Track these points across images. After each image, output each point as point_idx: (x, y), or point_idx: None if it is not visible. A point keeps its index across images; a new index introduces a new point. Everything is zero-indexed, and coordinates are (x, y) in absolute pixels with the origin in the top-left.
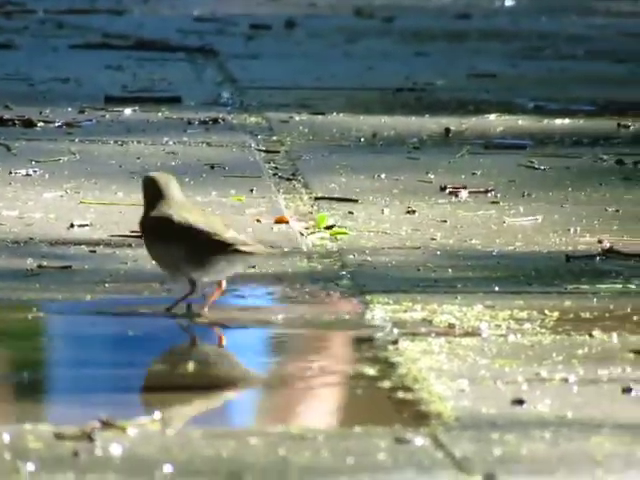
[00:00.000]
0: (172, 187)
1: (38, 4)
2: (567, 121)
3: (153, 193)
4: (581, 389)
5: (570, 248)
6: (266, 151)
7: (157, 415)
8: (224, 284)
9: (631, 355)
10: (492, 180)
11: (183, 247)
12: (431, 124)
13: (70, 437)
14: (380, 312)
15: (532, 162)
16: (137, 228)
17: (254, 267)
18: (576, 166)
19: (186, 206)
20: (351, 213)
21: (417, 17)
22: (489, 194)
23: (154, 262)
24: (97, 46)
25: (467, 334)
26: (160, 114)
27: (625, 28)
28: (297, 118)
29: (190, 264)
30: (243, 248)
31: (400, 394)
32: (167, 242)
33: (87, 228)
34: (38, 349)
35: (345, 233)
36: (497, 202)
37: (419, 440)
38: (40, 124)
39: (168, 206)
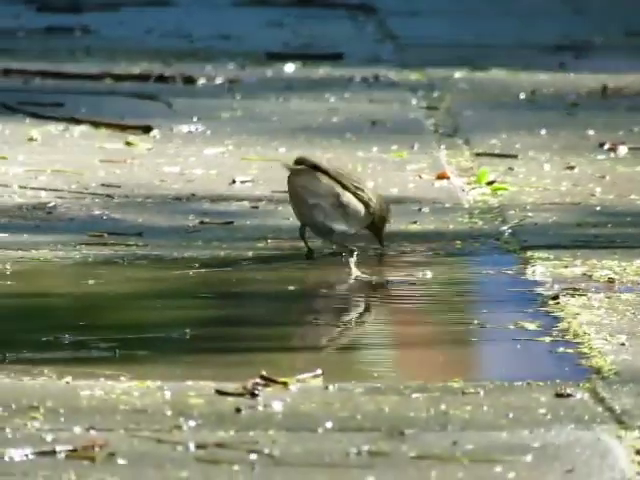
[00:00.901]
0: None
1: None
2: None
3: None
4: None
5: None
6: (427, 108)
7: (318, 371)
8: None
9: None
10: None
11: None
12: (589, 81)
13: (232, 393)
14: (541, 267)
15: None
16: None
17: (415, 222)
18: None
19: None
20: (511, 169)
21: None
22: None
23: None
24: (257, 3)
25: (627, 289)
26: (321, 71)
27: None
28: (457, 75)
29: None
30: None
31: (560, 349)
32: None
33: (249, 184)
34: (200, 306)
35: (506, 189)
36: None
37: (579, 395)
38: (201, 81)
39: None
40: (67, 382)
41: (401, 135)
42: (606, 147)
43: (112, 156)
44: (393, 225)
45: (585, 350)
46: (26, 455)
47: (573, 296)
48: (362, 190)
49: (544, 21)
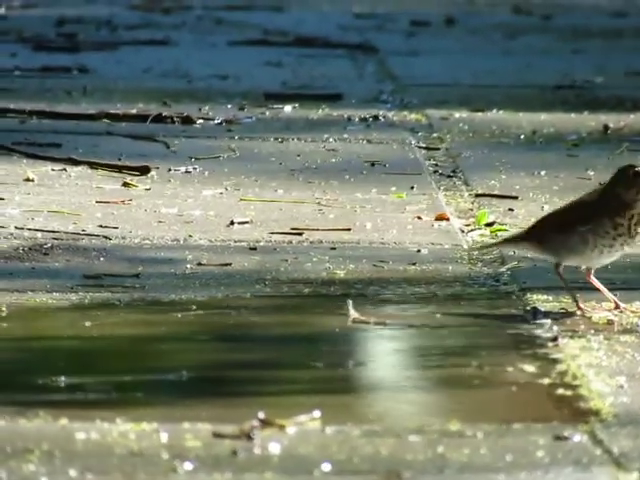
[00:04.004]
0: None
1: (196, 0)
2: None
3: None
4: None
5: None
6: (426, 148)
7: (316, 413)
8: None
9: None
10: None
11: None
12: (590, 121)
13: (229, 436)
14: (539, 309)
15: None
16: (298, 225)
17: (414, 264)
18: None
19: None
20: (511, 210)
21: (574, 15)
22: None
23: None
24: (256, 43)
25: (626, 331)
26: (320, 111)
27: None
28: (457, 115)
29: None
30: None
31: (559, 391)
32: None
33: (247, 225)
34: (197, 349)
35: (505, 230)
36: None
37: (577, 437)
38: (199, 121)
39: None
40: (63, 425)
41: (400, 176)
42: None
43: (109, 197)
44: (391, 267)
45: (584, 392)
46: None
47: (572, 338)
48: None
49: (543, 61)
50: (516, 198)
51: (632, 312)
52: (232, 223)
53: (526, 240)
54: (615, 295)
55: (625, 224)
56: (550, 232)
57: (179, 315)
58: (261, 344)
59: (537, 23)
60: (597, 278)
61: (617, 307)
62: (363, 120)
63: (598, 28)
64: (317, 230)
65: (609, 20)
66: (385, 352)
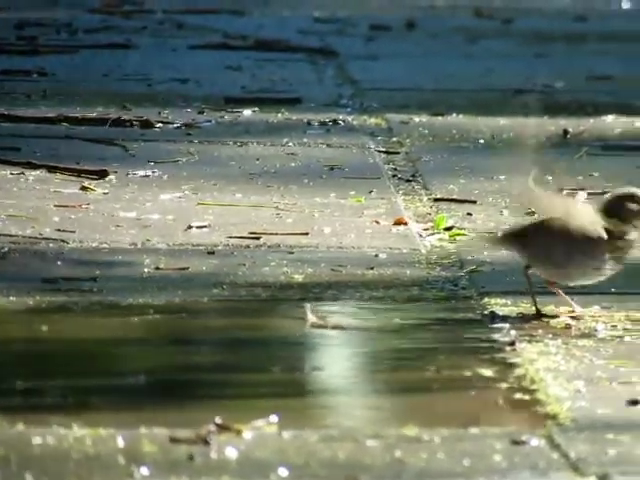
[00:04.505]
0: None
1: (157, 4)
2: None
3: None
4: None
5: None
6: (386, 152)
7: (273, 418)
8: None
9: None
10: (610, 182)
11: None
12: (550, 126)
13: (185, 441)
14: (498, 313)
15: None
16: (256, 229)
17: (372, 269)
18: None
19: None
20: (470, 214)
21: (536, 19)
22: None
23: None
24: (216, 47)
25: (584, 335)
26: (280, 115)
27: None
28: (417, 119)
29: None
30: None
31: (517, 395)
32: None
33: (205, 229)
34: (154, 353)
35: (464, 234)
36: None
37: (535, 441)
38: (159, 125)
39: None
40: (19, 430)
41: (359, 180)
42: (565, 192)
43: (67, 201)
44: (349, 271)
45: (541, 397)
46: None
47: (530, 342)
48: None
49: (504, 65)
50: (475, 202)
51: (590, 317)
52: (190, 227)
53: (526, 243)
54: (572, 299)
55: (618, 253)
56: (552, 248)
57: (136, 319)
58: (218, 348)
59: (498, 27)
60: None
61: (574, 312)
62: (323, 124)
63: (560, 32)
64: (275, 234)
65: (571, 24)
66: (343, 356)
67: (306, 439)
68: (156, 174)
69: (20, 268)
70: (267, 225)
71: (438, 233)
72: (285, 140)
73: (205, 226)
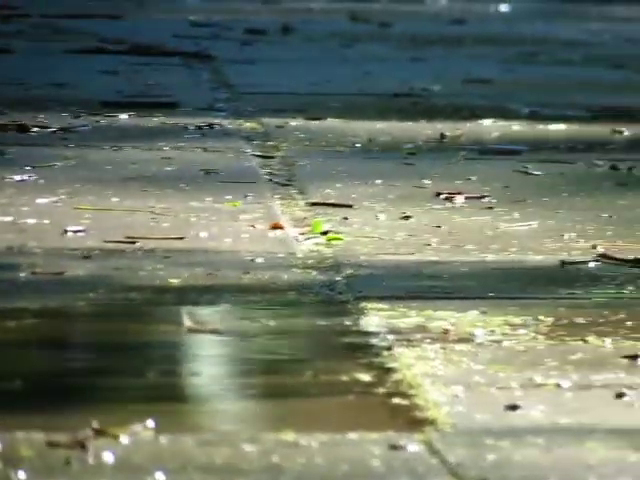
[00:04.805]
0: None
1: (34, 8)
2: (562, 127)
3: None
4: (575, 395)
5: (564, 254)
6: (261, 156)
7: (150, 423)
8: None
9: (624, 361)
10: (487, 186)
11: None
12: (427, 129)
13: (63, 445)
14: (375, 318)
15: (527, 168)
16: (132, 233)
17: (248, 273)
18: (570, 172)
19: None
20: (346, 219)
21: (413, 22)
22: (484, 200)
23: None
24: (93, 51)
25: (461, 340)
26: (156, 119)
27: (621, 33)
28: (293, 123)
29: None
30: None
31: (395, 400)
32: None
33: (81, 234)
34: (31, 357)
35: (340, 239)
36: (492, 208)
37: (413, 446)
38: (35, 129)
39: None
40: None
41: (235, 184)
42: (442, 197)
43: None
44: (226, 275)
45: (420, 402)
46: None
47: (407, 347)
48: None
49: (381, 69)
50: (351, 207)
51: (468, 321)
52: (66, 231)
53: None
54: (451, 304)
55: None
56: None
57: (12, 323)
58: (95, 352)
59: (375, 31)
60: (430, 286)
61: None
62: (198, 128)
63: (437, 35)
64: (151, 239)
65: (448, 28)
66: (219, 361)
67: (183, 444)
68: (32, 178)
69: None
70: (143, 229)
71: (315, 237)
72: (161, 144)
73: (81, 230)
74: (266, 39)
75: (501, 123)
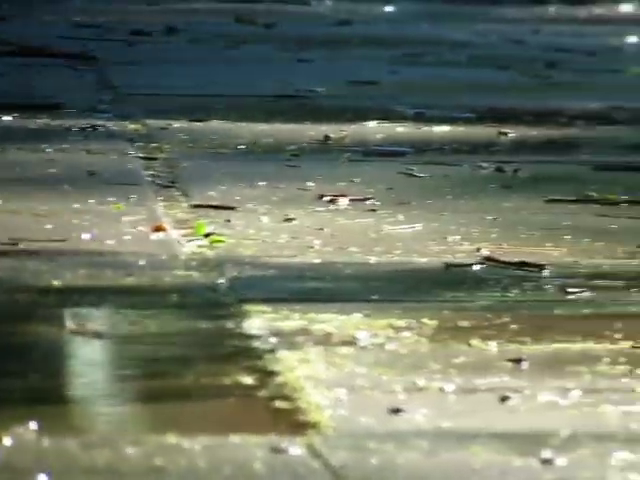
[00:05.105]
0: None
1: None
2: (447, 128)
3: None
4: (458, 398)
5: (449, 257)
6: (145, 158)
7: (33, 425)
8: None
9: (509, 364)
10: (371, 188)
11: None
12: (311, 131)
13: None
14: (258, 321)
15: (411, 170)
16: (15, 235)
17: (131, 275)
18: (455, 174)
19: None
20: (229, 221)
21: (298, 24)
22: (368, 202)
23: None
24: None
25: (345, 343)
26: (40, 121)
27: (507, 34)
28: (176, 125)
29: None
30: None
31: (277, 403)
32: None
33: None
34: None
35: (223, 241)
36: (376, 210)
37: (296, 450)
38: None
39: None
40: None
41: (118, 186)
42: (326, 199)
43: None
44: (109, 277)
45: (302, 405)
46: None
47: (290, 350)
48: None
49: (266, 70)
50: (234, 209)
51: (351, 324)
52: None
53: None
54: (334, 307)
55: None
56: None
57: None
58: None
59: (260, 32)
60: (313, 289)
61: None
62: (82, 130)
63: (322, 37)
64: (34, 241)
65: (333, 29)
66: (101, 363)
67: (66, 446)
68: None
69: None
70: (26, 231)
71: (197, 239)
72: (44, 146)
73: None
74: (151, 40)
75: (386, 125)
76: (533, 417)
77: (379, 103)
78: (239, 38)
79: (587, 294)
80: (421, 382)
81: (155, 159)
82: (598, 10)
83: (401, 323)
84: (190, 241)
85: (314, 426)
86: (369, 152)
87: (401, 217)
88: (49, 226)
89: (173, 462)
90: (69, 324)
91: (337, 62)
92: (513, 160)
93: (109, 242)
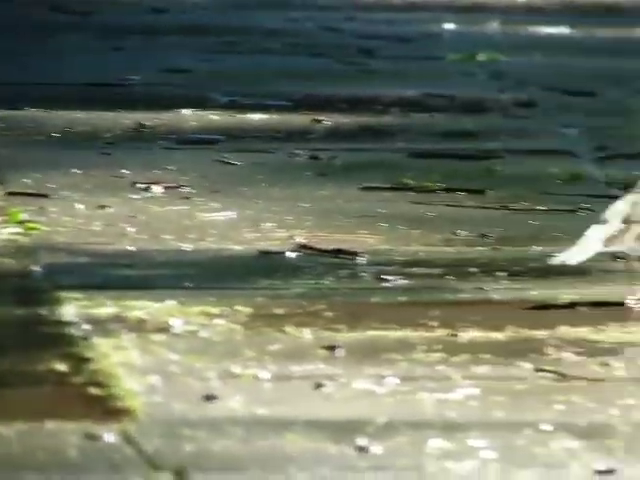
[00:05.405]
0: None
1: None
2: (262, 116)
3: None
4: (273, 385)
5: (263, 244)
6: None
7: None
8: None
9: (323, 351)
10: (185, 175)
11: None
12: (125, 119)
13: None
14: (72, 308)
15: (225, 157)
16: None
17: None
18: (270, 161)
19: None
20: (43, 208)
21: (113, 12)
22: (182, 189)
23: None
24: None
25: (159, 330)
26: None
27: (321, 22)
28: None
29: None
30: None
31: (91, 390)
32: None
33: None
34: None
35: (38, 229)
36: (190, 197)
37: (109, 436)
38: None
39: None
40: None
41: None
42: (140, 186)
43: None
44: None
45: (116, 391)
46: None
47: (104, 337)
48: None
49: (81, 59)
50: (47, 196)
51: (165, 311)
52: None
53: None
54: (148, 294)
55: None
56: None
57: None
58: None
59: (76, 20)
60: (127, 276)
61: None
62: None
63: (137, 25)
64: None
65: (147, 17)
66: None
67: None
68: None
69: None
70: None
71: (12, 227)
72: None
73: None
74: None
75: (200, 113)
76: (348, 404)
77: (192, 91)
78: (55, 27)
79: (403, 281)
80: (236, 369)
81: None
82: None
83: (215, 310)
84: (4, 228)
85: (128, 413)
86: (183, 140)
87: (215, 204)
88: None
89: None
90: None
91: (152, 50)
92: (328, 148)
93: None
